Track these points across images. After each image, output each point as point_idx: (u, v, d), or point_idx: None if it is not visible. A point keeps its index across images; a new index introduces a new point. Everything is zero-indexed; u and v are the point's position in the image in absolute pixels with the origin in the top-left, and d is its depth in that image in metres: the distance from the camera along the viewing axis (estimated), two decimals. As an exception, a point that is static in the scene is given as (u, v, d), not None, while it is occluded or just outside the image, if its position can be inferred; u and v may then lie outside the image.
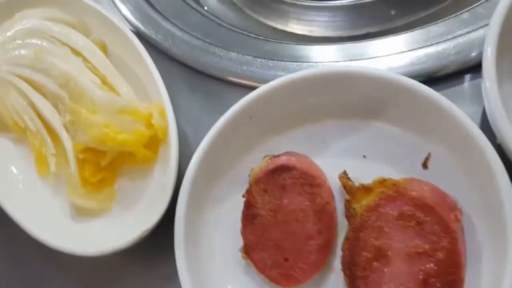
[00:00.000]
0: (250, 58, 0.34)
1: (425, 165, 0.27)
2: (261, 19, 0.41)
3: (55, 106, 0.34)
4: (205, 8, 0.43)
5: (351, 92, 0.28)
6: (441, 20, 0.33)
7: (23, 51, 0.35)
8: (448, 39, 0.30)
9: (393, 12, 0.38)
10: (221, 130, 0.28)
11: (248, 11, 0.42)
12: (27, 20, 0.36)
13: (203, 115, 0.33)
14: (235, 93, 0.33)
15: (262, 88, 0.29)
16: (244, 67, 0.33)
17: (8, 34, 0.36)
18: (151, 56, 0.34)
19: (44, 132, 0.33)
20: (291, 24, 0.41)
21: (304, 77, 0.28)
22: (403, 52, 0.31)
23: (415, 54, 0.30)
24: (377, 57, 0.31)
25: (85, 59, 0.33)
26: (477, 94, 0.28)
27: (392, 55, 0.31)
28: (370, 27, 0.39)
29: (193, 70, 0.35)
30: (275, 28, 0.41)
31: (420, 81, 0.28)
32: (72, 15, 0.36)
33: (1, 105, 0.35)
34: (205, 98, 0.34)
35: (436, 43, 0.30)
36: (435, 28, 0.32)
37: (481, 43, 0.28)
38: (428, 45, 0.30)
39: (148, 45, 0.36)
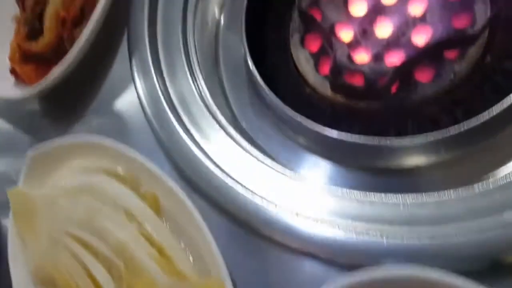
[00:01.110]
0: (312, 222, 0.33)
1: None
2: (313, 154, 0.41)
3: (108, 269, 0.33)
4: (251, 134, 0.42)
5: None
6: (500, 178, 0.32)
7: (74, 210, 0.35)
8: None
9: (442, 151, 0.38)
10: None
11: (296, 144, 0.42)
12: (75, 173, 0.36)
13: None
14: (296, 258, 0.33)
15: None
16: (305, 231, 0.33)
17: (58, 189, 0.36)
18: (204, 209, 0.34)
19: (98, 298, 0.33)
20: (336, 155, 0.41)
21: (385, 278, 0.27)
22: (464, 230, 0.30)
23: (480, 237, 0.29)
24: (439, 226, 0.31)
25: (140, 226, 0.33)
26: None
27: (450, 239, 0.30)
28: (418, 160, 0.39)
29: (250, 230, 0.34)
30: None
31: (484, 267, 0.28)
32: (120, 166, 0.36)
33: (51, 266, 0.35)
34: (261, 264, 0.33)
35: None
36: (497, 196, 0.31)
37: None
38: (490, 219, 0.30)
39: (201, 197, 0.36)
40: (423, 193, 0.32)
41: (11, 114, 0.47)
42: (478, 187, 0.32)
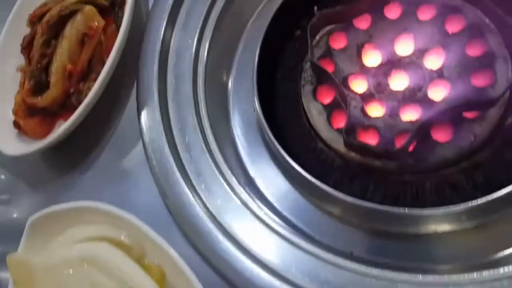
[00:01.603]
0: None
1: None
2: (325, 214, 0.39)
3: None
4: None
5: None
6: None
7: (77, 282, 0.33)
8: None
9: (463, 218, 0.36)
10: None
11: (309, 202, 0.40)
12: (78, 240, 0.35)
13: None
14: None
15: None
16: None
17: (59, 258, 0.34)
18: (211, 281, 0.33)
19: None
20: (350, 217, 0.39)
21: None
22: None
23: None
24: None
25: (145, 304, 0.32)
26: None
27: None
28: (437, 226, 0.37)
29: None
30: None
31: None
32: (124, 235, 0.35)
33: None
34: None
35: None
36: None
37: None
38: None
39: (209, 266, 0.35)
40: (445, 275, 0.30)
41: (13, 165, 0.46)
42: (503, 269, 0.30)
